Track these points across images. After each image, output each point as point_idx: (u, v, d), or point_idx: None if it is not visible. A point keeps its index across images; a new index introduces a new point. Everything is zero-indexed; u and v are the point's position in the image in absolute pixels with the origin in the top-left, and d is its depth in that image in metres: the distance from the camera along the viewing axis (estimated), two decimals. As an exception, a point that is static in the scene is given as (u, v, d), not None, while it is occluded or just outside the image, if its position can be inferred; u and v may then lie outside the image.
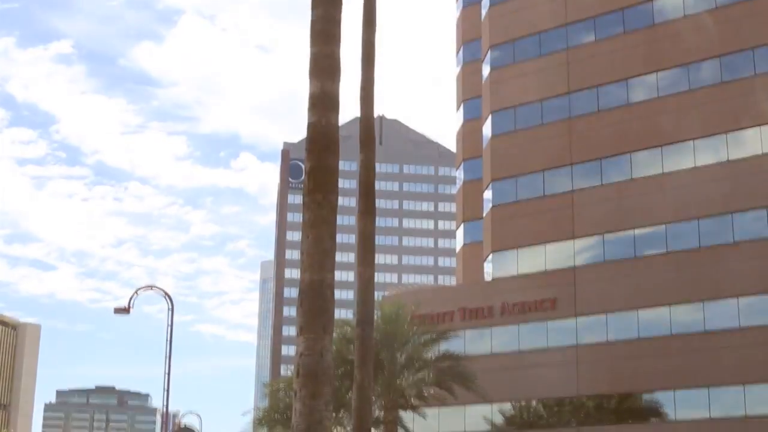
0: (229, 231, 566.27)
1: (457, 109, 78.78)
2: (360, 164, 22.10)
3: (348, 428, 44.63)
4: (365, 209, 21.87)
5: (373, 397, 34.05)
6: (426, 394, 47.70)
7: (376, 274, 22.44)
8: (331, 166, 13.33)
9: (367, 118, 22.16)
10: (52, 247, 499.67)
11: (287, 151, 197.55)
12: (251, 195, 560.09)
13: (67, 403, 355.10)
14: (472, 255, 73.39)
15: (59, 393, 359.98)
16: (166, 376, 44.43)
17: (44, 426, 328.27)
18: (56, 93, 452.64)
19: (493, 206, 68.04)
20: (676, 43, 62.10)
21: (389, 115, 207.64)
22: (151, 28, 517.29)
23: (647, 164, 61.80)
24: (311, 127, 13.52)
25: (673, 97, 61.67)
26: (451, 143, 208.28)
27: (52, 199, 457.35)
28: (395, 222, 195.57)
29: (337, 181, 13.45)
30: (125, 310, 44.98)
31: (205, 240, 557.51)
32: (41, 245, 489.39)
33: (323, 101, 13.58)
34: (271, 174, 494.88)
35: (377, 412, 43.90)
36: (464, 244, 76.12)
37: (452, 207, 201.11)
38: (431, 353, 49.76)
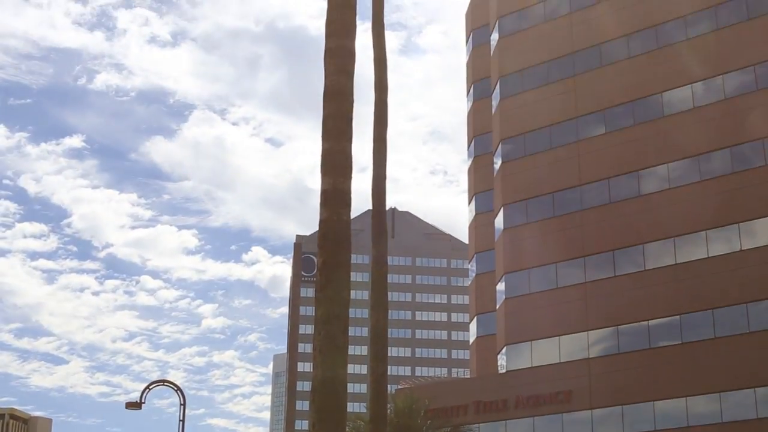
0: (240, 324, 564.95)
1: (469, 201, 79.05)
2: (372, 260, 22.14)
3: None
4: (377, 304, 21.86)
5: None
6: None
7: (389, 367, 22.34)
8: (343, 262, 13.38)
9: (379, 213, 22.28)
10: (62, 341, 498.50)
11: (300, 244, 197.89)
12: (262, 288, 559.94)
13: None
14: (486, 347, 72.95)
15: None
16: (178, 472, 43.89)
17: None
18: (68, 187, 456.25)
19: (506, 298, 67.85)
20: (686, 135, 62.47)
21: (401, 207, 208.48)
22: (162, 123, 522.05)
23: (660, 255, 61.70)
24: (323, 223, 13.62)
25: (685, 188, 61.82)
26: (463, 235, 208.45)
27: (63, 292, 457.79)
28: (408, 315, 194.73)
29: (349, 276, 13.48)
30: (137, 405, 44.68)
31: (216, 333, 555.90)
32: (52, 339, 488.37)
33: (335, 198, 13.69)
34: (282, 267, 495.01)
35: None
36: (478, 337, 75.73)
37: (465, 299, 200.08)
38: (446, 448, 49.22)
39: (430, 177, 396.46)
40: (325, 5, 15.45)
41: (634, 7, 66.93)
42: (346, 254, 13.39)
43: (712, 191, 60.61)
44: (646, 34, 65.80)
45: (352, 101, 14.60)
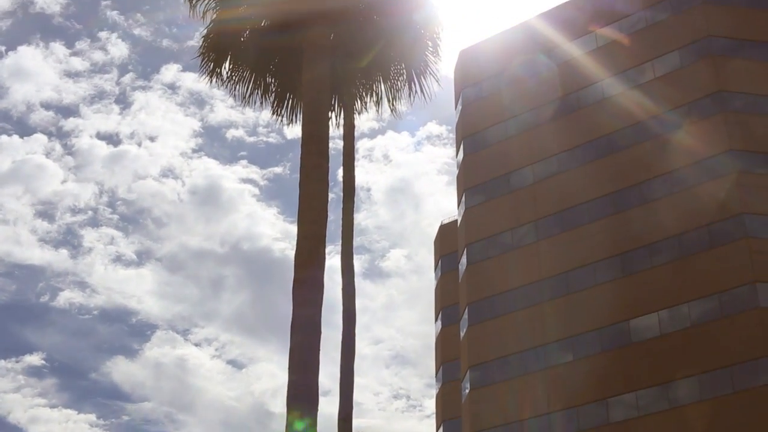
0: None
1: (437, 428, 78.11)
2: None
3: None
4: None
5: None
6: None
7: None
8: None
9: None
10: None
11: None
12: None
13: None
14: None
15: None
16: None
17: None
18: (25, 406, 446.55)
19: None
20: (653, 362, 62.46)
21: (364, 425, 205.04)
22: (124, 343, 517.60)
23: (632, 485, 60.58)
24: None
25: (654, 416, 61.33)
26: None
27: None
28: None
29: None
30: None
31: None
32: None
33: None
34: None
35: None
36: None
37: None
38: None
39: (393, 401, 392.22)
40: (288, 227, 15.68)
41: (599, 236, 68.21)
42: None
43: (681, 418, 60.12)
44: (611, 263, 66.78)
45: (320, 333, 14.56)
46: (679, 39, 69.79)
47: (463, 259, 76.05)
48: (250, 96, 21.48)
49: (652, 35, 71.26)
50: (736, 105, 65.94)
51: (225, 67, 21.15)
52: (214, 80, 21.10)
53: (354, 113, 22.95)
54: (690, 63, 68.56)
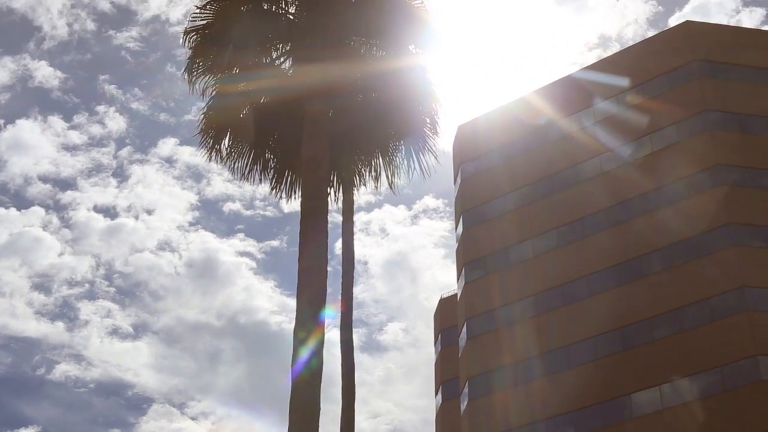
0: None
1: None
2: None
3: None
4: None
5: None
6: None
7: None
8: None
9: None
10: None
11: None
12: None
13: None
14: None
15: None
16: None
17: None
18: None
19: None
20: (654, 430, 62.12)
21: None
22: (119, 416, 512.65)
23: None
24: None
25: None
26: None
27: None
28: None
29: None
30: None
31: None
32: None
33: None
34: None
35: None
36: None
37: None
38: None
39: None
40: (285, 301, 15.71)
41: (599, 310, 68.01)
42: None
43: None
44: (612, 337, 66.54)
45: (319, 408, 14.52)
46: (677, 113, 70.35)
47: (463, 333, 75.82)
48: (249, 172, 21.59)
49: (650, 110, 71.84)
50: (734, 178, 66.27)
51: (224, 144, 21.27)
52: (213, 156, 21.19)
53: (353, 188, 23.03)
54: (688, 137, 69.06)
